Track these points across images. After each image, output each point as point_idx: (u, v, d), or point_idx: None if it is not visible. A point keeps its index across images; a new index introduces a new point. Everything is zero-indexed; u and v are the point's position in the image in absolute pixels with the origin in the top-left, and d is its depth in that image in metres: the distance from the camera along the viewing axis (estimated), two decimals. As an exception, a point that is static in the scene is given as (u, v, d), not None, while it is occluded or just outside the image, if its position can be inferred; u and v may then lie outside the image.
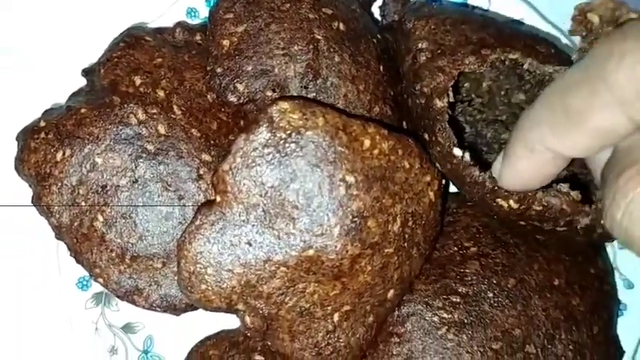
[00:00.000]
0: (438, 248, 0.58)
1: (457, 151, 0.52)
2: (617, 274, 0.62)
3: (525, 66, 0.53)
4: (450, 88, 0.52)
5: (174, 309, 0.54)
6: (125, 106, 0.54)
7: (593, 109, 0.36)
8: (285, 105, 0.51)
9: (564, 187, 0.50)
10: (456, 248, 0.58)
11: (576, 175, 0.55)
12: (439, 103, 0.51)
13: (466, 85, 0.57)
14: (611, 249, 0.63)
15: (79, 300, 0.58)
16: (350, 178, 0.50)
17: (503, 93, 0.58)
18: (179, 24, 0.60)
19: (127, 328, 0.60)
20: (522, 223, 0.52)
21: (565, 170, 0.55)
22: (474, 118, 0.60)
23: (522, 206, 0.50)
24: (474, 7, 0.63)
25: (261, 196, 0.50)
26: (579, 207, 0.50)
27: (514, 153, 0.42)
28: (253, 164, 0.50)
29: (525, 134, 0.41)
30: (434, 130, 0.52)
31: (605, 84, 0.35)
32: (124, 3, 0.66)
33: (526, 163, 0.42)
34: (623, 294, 0.62)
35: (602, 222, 0.50)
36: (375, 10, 0.65)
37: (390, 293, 0.53)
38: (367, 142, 0.51)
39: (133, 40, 0.57)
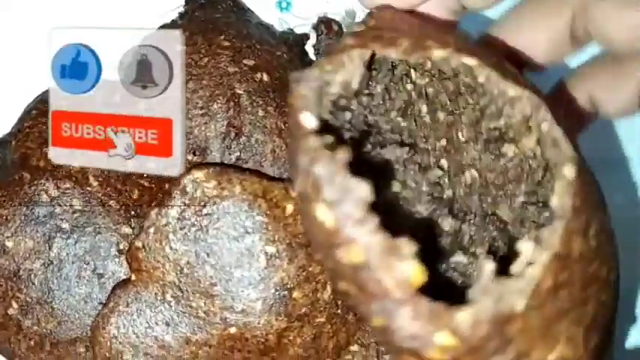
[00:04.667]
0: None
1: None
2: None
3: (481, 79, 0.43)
4: None
5: (102, 392, 0.51)
6: (35, 182, 0.51)
7: None
8: (198, 174, 0.48)
9: None
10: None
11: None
12: None
13: None
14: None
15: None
16: (271, 249, 0.47)
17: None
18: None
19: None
20: None
21: None
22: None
23: None
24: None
25: (176, 273, 0.47)
26: None
27: None
28: (167, 240, 0.47)
29: None
30: None
31: None
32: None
33: None
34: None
35: None
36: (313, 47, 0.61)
37: (327, 363, 0.50)
38: (290, 208, 0.48)
39: (45, 106, 0.54)
